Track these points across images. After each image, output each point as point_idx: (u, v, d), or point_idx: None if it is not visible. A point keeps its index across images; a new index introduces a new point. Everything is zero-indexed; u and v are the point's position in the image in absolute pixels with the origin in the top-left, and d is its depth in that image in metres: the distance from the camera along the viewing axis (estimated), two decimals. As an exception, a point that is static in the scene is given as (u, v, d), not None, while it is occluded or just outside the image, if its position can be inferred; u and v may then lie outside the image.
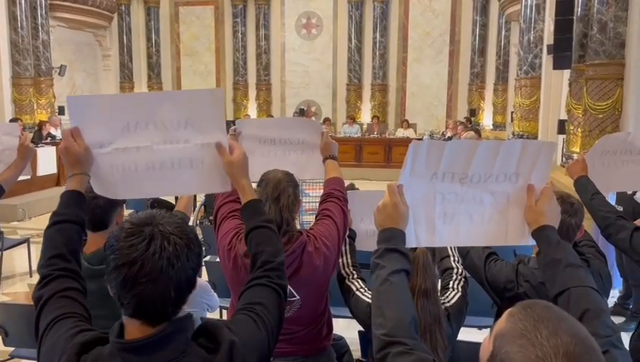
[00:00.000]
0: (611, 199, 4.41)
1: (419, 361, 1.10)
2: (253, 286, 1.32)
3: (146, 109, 1.49)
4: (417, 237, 1.46)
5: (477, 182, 1.45)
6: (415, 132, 13.54)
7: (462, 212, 1.47)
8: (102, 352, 1.08)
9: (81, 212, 1.37)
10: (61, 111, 12.13)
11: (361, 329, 2.19)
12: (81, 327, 1.15)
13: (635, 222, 2.50)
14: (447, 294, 1.92)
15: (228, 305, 2.20)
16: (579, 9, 6.33)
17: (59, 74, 12.31)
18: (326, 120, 13.76)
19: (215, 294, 3.00)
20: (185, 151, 1.49)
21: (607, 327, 1.16)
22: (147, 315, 1.08)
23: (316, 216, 2.02)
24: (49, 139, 10.14)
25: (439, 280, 2.00)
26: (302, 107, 15.28)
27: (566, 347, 0.80)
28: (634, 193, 4.49)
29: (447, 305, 1.87)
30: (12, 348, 3.17)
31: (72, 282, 1.25)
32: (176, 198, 3.62)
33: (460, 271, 1.99)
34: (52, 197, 8.97)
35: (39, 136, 9.99)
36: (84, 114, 1.47)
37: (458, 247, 2.04)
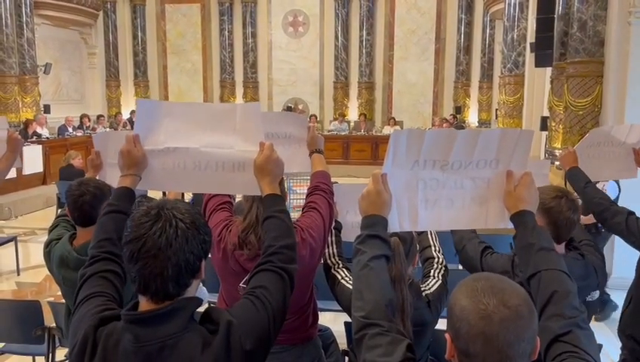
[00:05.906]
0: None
1: (393, 342, 1.18)
2: (256, 272, 1.38)
3: (199, 116, 1.67)
4: (400, 223, 1.49)
5: (458, 169, 1.48)
6: (401, 129, 13.64)
7: (443, 197, 1.50)
8: (116, 326, 1.19)
9: (130, 206, 1.53)
10: (46, 109, 12.03)
11: (348, 320, 2.24)
12: (107, 306, 1.27)
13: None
14: (428, 282, 1.98)
15: (216, 300, 2.24)
16: (560, 7, 6.44)
17: (44, 72, 12.21)
18: (312, 117, 13.81)
19: (204, 288, 3.05)
20: (229, 155, 1.65)
21: (573, 309, 1.21)
22: (151, 291, 1.18)
23: (303, 208, 2.06)
24: (35, 137, 10.07)
25: (422, 268, 2.07)
26: (289, 105, 15.30)
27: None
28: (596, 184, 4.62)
29: (428, 292, 1.94)
30: (2, 344, 3.20)
31: (113, 265, 1.38)
32: (164, 194, 3.65)
33: (441, 260, 2.05)
34: (38, 195, 8.92)
35: (25, 134, 9.89)
36: (148, 115, 1.66)
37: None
